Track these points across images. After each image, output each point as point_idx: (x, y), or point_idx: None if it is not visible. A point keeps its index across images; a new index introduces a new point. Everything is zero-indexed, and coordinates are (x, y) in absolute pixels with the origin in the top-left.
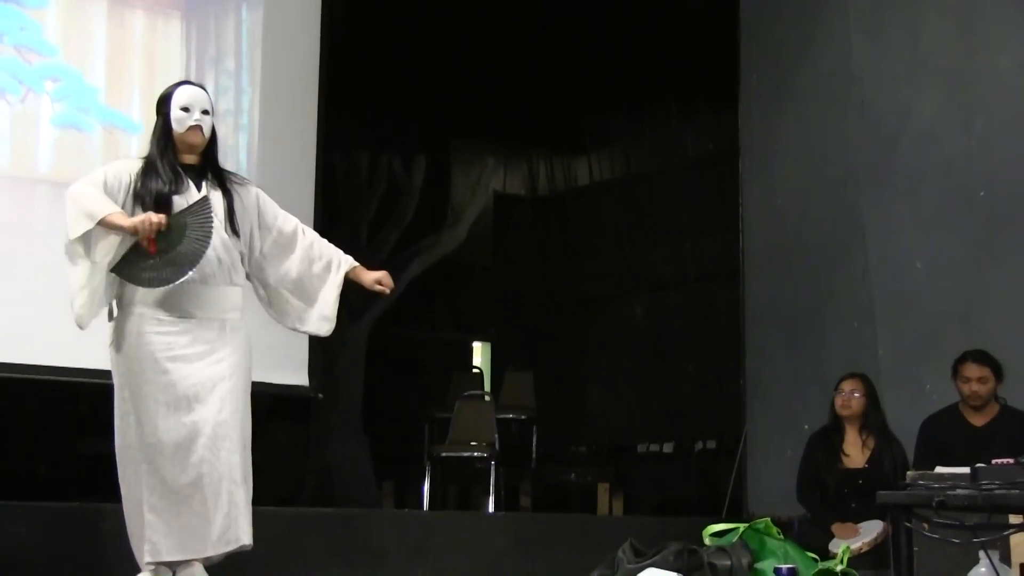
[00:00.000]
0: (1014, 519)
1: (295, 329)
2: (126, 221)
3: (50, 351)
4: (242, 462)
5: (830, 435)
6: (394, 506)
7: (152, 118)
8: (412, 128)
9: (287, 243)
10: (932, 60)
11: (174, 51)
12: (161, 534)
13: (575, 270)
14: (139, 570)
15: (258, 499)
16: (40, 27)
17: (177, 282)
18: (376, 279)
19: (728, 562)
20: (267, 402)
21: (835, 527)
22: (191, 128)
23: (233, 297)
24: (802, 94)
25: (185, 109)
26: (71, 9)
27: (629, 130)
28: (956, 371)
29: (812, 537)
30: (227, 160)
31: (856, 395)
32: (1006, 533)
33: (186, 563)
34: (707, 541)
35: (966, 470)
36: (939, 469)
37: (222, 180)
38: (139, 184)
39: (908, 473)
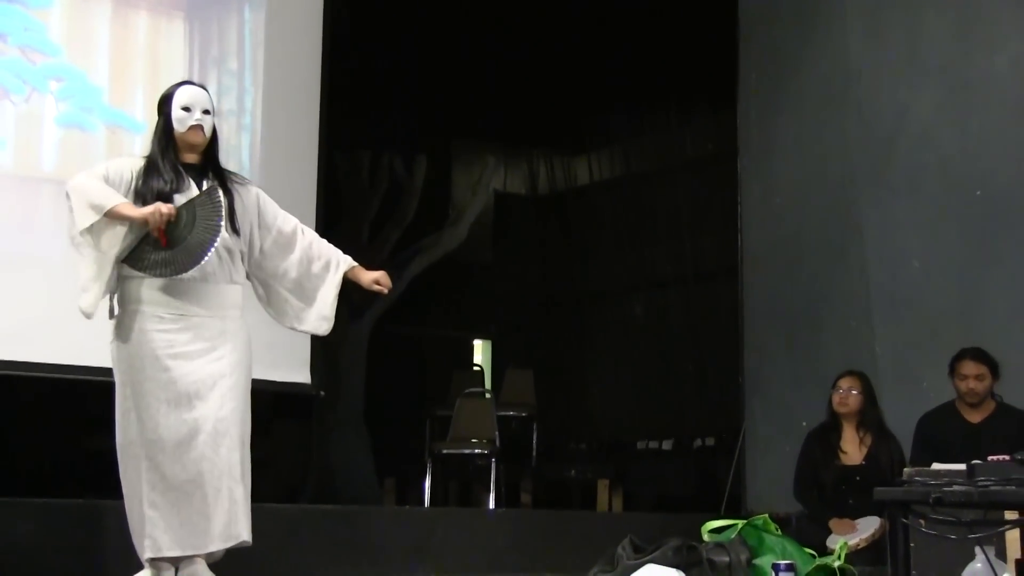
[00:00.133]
0: (1010, 515)
1: (293, 328)
2: (136, 212)
3: (55, 349)
4: (242, 459)
5: (828, 432)
6: (395, 503)
7: (155, 118)
8: (413, 128)
9: (286, 243)
10: (929, 60)
11: (177, 51)
12: (161, 530)
13: (575, 268)
14: (143, 566)
15: (260, 496)
16: (44, 27)
17: (191, 270)
18: (374, 279)
19: (727, 558)
20: (269, 399)
21: (833, 523)
22: (192, 128)
23: (233, 295)
24: (800, 94)
25: (186, 109)
26: (75, 9)
27: (629, 129)
28: (953, 368)
29: (810, 533)
30: (230, 159)
31: (854, 393)
32: (1002, 529)
33: (188, 560)
34: (706, 537)
35: (962, 467)
36: (936, 466)
37: (223, 180)
38: (140, 182)
39: (905, 470)
